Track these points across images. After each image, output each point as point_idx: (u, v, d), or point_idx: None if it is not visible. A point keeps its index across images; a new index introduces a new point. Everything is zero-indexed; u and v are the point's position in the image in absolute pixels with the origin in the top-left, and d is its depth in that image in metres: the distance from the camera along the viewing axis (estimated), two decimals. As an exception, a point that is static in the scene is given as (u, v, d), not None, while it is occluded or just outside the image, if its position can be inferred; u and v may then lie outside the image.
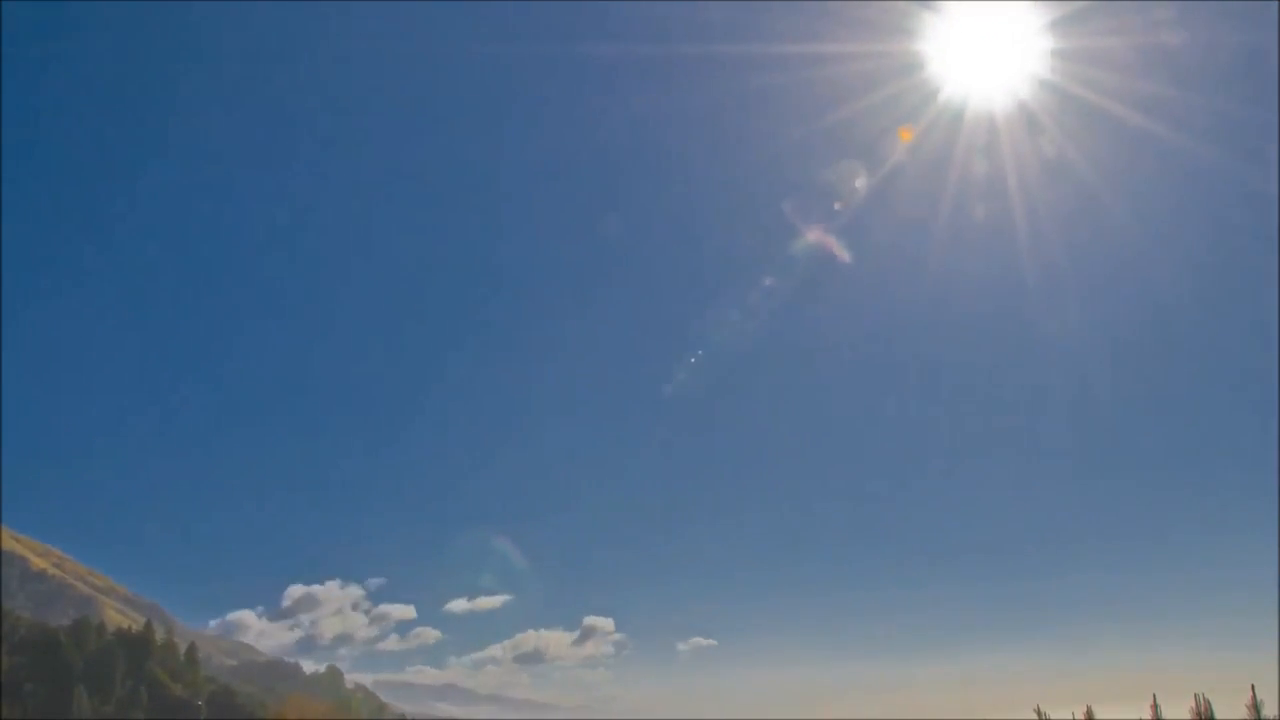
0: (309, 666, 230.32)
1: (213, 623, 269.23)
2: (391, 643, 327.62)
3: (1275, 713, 28.58)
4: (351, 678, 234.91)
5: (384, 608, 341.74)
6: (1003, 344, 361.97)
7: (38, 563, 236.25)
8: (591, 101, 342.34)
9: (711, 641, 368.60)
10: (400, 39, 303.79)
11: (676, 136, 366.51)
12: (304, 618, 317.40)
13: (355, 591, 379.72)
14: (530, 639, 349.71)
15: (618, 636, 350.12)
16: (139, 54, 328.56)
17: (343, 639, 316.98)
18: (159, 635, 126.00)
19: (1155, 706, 30.44)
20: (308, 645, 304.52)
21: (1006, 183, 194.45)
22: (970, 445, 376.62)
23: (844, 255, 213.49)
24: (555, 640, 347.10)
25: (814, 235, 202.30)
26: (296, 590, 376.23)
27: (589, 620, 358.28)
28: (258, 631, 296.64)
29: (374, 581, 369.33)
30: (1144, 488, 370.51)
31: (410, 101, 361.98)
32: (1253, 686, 29.13)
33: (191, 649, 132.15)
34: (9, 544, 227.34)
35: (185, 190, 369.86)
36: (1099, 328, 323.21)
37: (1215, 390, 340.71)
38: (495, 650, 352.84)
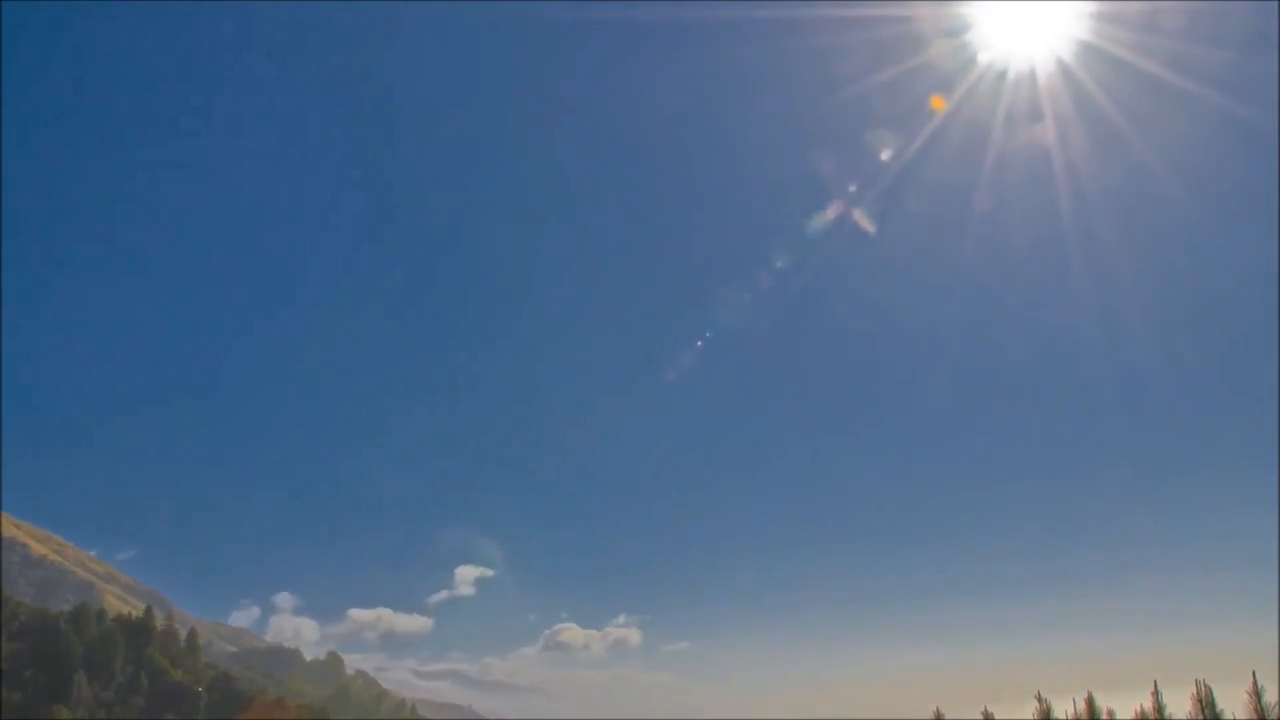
0: (309, 653, 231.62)
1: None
2: (389, 631, 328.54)
3: (1276, 697, 28.40)
4: (351, 664, 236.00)
5: (383, 598, 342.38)
6: (1013, 330, 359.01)
7: (38, 549, 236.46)
8: (609, 68, 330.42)
9: (708, 638, 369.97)
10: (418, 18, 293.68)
11: (692, 107, 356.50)
12: (304, 607, 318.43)
13: (354, 583, 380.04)
14: (526, 631, 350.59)
15: (615, 630, 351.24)
16: (139, 54, 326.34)
17: (342, 629, 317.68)
18: (159, 622, 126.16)
19: (1156, 693, 30.23)
20: (308, 635, 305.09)
21: (1048, 146, 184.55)
22: (976, 435, 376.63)
23: (869, 227, 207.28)
24: (549, 636, 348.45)
25: (837, 209, 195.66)
26: (297, 580, 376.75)
27: (577, 616, 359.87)
28: (262, 620, 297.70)
29: (370, 574, 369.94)
30: (1144, 480, 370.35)
31: (421, 82, 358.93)
32: (1254, 673, 28.93)
33: (192, 635, 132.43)
34: (10, 530, 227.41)
35: (186, 187, 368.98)
36: (1127, 319, 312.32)
37: (1220, 379, 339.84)
38: (491, 642, 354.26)
